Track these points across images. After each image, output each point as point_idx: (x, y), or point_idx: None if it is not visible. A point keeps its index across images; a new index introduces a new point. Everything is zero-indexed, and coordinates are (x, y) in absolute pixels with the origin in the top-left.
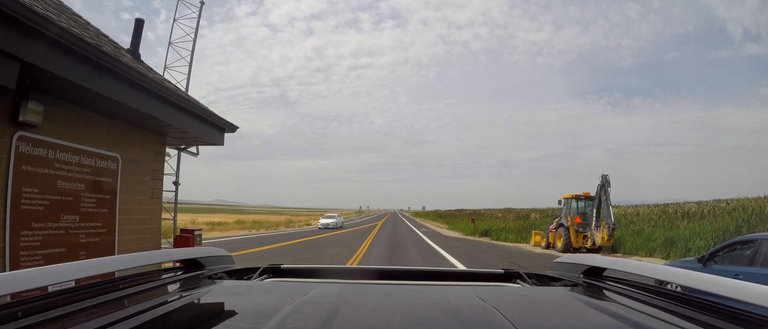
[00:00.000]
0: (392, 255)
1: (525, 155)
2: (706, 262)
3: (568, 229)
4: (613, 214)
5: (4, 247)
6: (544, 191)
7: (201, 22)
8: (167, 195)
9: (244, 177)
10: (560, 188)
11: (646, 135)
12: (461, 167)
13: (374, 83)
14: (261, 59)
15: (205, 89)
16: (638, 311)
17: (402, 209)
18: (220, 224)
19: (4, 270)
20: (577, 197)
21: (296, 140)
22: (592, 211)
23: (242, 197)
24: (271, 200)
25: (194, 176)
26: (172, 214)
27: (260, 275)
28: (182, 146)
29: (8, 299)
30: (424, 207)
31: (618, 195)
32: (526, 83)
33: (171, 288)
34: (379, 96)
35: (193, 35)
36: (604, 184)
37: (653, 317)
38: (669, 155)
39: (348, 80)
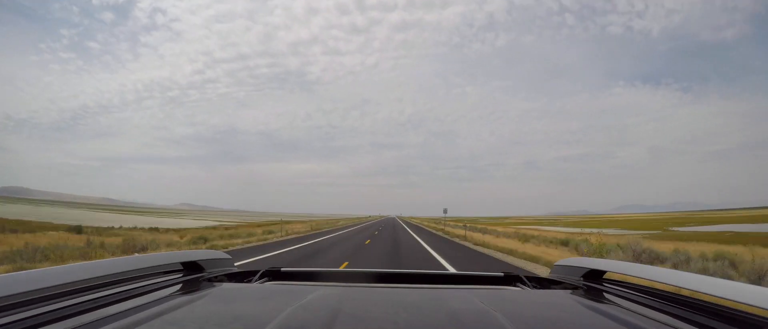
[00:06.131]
0: None
1: (557, 153)
2: None
3: None
4: None
5: None
6: (567, 196)
7: None
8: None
9: (243, 182)
10: (584, 194)
11: (706, 127)
12: (480, 169)
13: (423, 52)
14: (276, 15)
15: (199, 62)
16: (638, 314)
17: (400, 216)
18: None
19: None
20: None
21: (307, 136)
22: None
23: (238, 202)
24: (270, 206)
25: (194, 181)
26: None
27: (260, 278)
28: None
29: (9, 300)
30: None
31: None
32: (598, 57)
33: (171, 290)
34: (420, 74)
35: None
36: None
37: (653, 319)
38: (724, 153)
39: (390, 48)
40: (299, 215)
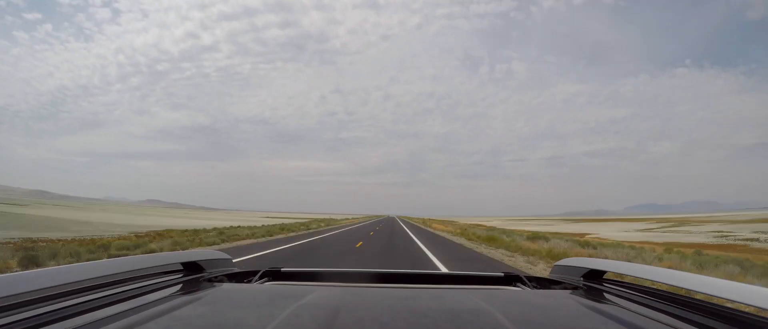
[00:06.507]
0: None
1: (589, 146)
2: None
3: None
4: None
5: None
6: (584, 196)
7: None
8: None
9: (232, 178)
10: (601, 192)
11: (754, 117)
12: (498, 165)
13: (482, 9)
14: None
15: (194, 20)
16: (638, 314)
17: (403, 216)
18: None
19: None
20: None
21: (317, 125)
22: None
23: (220, 201)
24: (256, 205)
25: (175, 178)
26: None
27: (260, 278)
28: None
29: (9, 300)
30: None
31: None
32: (677, 26)
33: (171, 290)
34: (466, 46)
35: None
36: None
37: (653, 320)
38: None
39: (442, 5)
40: (278, 214)
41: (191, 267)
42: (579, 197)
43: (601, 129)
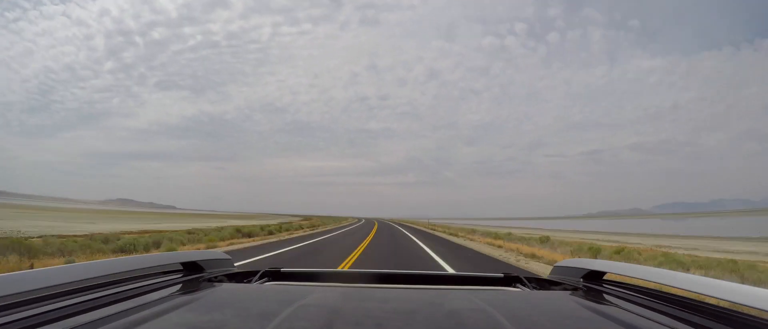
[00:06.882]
0: None
1: (638, 138)
2: None
3: None
4: None
5: None
6: (619, 194)
7: None
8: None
9: (226, 180)
10: (637, 190)
11: None
12: (529, 162)
13: None
14: None
15: None
16: (638, 315)
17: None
18: None
19: None
20: None
21: (343, 114)
22: None
23: (205, 203)
24: (245, 206)
25: (169, 179)
26: None
27: (260, 278)
28: None
29: (9, 299)
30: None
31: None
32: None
33: (171, 290)
34: (538, 2)
35: None
36: None
37: (653, 321)
38: None
39: None
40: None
41: (191, 267)
42: (613, 195)
43: (659, 116)
